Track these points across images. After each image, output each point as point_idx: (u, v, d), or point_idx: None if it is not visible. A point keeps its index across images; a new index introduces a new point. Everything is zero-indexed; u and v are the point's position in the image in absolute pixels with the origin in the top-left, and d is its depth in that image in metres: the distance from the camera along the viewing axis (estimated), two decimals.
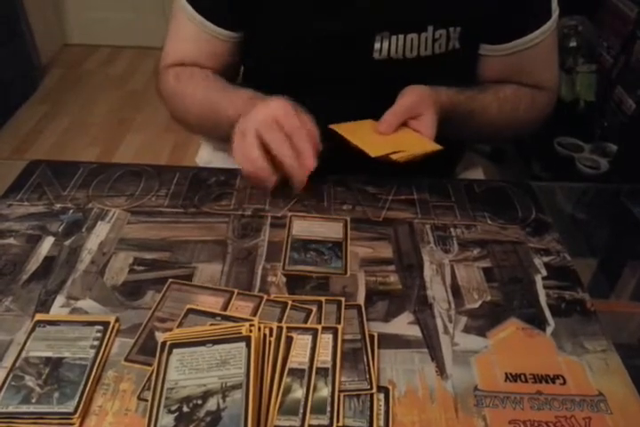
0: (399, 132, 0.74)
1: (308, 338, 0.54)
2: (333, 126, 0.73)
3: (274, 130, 0.66)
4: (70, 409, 0.48)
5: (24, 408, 0.48)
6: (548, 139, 1.78)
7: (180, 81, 0.83)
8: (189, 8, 0.80)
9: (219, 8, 0.79)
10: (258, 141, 0.66)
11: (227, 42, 0.83)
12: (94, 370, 0.51)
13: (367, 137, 0.72)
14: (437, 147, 0.71)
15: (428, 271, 0.65)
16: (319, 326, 0.55)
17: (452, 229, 0.72)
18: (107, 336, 0.55)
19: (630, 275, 0.75)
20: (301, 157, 0.65)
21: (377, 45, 0.77)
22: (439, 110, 0.75)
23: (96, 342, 0.54)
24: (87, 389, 0.50)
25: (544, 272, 0.66)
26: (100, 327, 0.55)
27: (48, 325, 0.56)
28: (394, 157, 0.69)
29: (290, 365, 0.52)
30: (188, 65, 0.85)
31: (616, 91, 1.71)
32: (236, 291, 0.60)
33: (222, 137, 0.77)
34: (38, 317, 0.57)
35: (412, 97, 0.74)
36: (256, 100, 0.72)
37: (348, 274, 0.64)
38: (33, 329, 0.55)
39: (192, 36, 0.83)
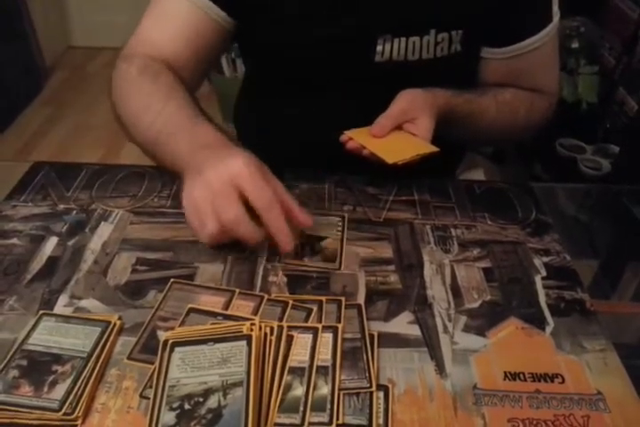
0: (396, 136, 0.74)
1: (308, 337, 0.55)
2: (348, 132, 0.74)
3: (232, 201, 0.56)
4: (55, 405, 0.49)
5: (9, 398, 0.49)
6: (549, 140, 1.78)
7: (142, 77, 0.72)
8: None
9: None
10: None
11: (219, 26, 0.77)
12: (86, 369, 0.52)
13: (377, 142, 0.73)
14: (434, 149, 0.71)
15: (428, 271, 0.66)
16: (319, 325, 0.56)
17: (452, 230, 0.72)
18: (105, 335, 0.55)
19: (632, 276, 0.76)
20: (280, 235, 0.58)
21: (379, 48, 0.77)
22: (436, 113, 0.75)
23: (95, 341, 0.54)
24: (76, 387, 0.50)
25: (544, 272, 0.67)
26: (100, 327, 0.56)
27: (51, 320, 0.57)
28: (391, 160, 0.70)
29: (290, 363, 0.52)
30: (159, 53, 0.76)
31: (618, 92, 1.71)
32: (237, 290, 0.61)
33: (164, 167, 0.69)
34: (43, 312, 0.58)
35: (405, 101, 0.74)
36: (211, 147, 0.62)
37: None
38: (36, 323, 0.56)
39: (182, 13, 0.76)
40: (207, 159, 0.59)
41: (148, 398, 0.49)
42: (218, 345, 0.51)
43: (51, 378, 0.51)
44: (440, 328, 0.59)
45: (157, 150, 0.68)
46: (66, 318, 0.57)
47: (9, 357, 0.53)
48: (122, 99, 0.74)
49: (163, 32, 0.78)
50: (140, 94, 0.72)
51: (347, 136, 0.74)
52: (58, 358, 0.53)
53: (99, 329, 0.56)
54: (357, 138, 0.73)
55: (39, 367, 0.52)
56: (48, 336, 0.55)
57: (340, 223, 0.72)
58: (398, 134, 0.74)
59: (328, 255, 0.67)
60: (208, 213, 0.56)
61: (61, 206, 0.74)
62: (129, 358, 0.54)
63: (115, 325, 0.56)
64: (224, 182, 0.56)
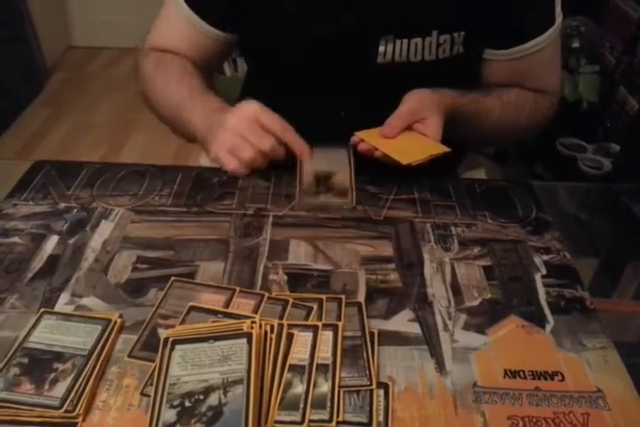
0: (407, 136, 0.74)
1: (308, 335, 0.55)
2: (359, 133, 0.75)
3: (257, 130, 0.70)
4: (56, 403, 0.49)
5: (10, 396, 0.49)
6: (550, 139, 1.78)
7: (158, 69, 0.84)
8: (179, 0, 0.81)
9: (212, 7, 0.80)
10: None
11: (217, 41, 0.84)
12: (87, 366, 0.52)
13: (388, 144, 0.73)
14: (446, 149, 0.71)
15: (429, 269, 0.66)
16: (319, 323, 0.56)
17: (452, 228, 0.72)
18: (106, 333, 0.55)
19: (632, 274, 0.76)
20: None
21: (381, 49, 0.77)
22: (444, 112, 0.75)
23: (95, 339, 0.55)
24: (77, 384, 0.50)
25: (544, 270, 0.67)
26: (100, 325, 0.56)
27: (52, 318, 0.57)
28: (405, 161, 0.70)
29: (290, 361, 0.52)
30: (169, 51, 0.86)
31: (619, 91, 1.72)
32: (237, 289, 0.61)
33: (185, 136, 0.81)
34: (44, 310, 0.58)
35: (414, 101, 0.74)
36: (223, 111, 0.74)
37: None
38: (37, 321, 0.56)
39: (181, 29, 0.84)
40: (221, 117, 0.72)
41: (149, 396, 0.49)
42: (218, 343, 0.51)
43: (52, 376, 0.51)
44: (440, 326, 0.59)
45: (179, 122, 0.79)
46: (67, 316, 0.57)
47: (10, 354, 0.53)
48: (146, 88, 0.86)
49: (166, 41, 0.86)
50: (159, 84, 0.83)
51: (358, 138, 0.74)
52: (59, 356, 0.53)
53: (99, 327, 0.56)
54: (368, 139, 0.73)
55: (40, 365, 0.52)
56: (49, 334, 0.55)
57: (347, 155, 0.76)
58: (409, 135, 0.74)
59: (340, 190, 0.73)
60: (244, 146, 0.70)
61: (62, 205, 0.74)
62: (130, 355, 0.54)
63: (115, 323, 0.57)
64: (247, 121, 0.70)
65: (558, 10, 0.80)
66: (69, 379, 0.51)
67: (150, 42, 0.88)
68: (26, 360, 0.52)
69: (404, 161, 0.69)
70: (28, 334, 0.55)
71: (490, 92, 0.83)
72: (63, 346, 0.54)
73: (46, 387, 0.50)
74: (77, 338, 0.54)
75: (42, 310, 0.58)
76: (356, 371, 0.53)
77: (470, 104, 0.80)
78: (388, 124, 0.74)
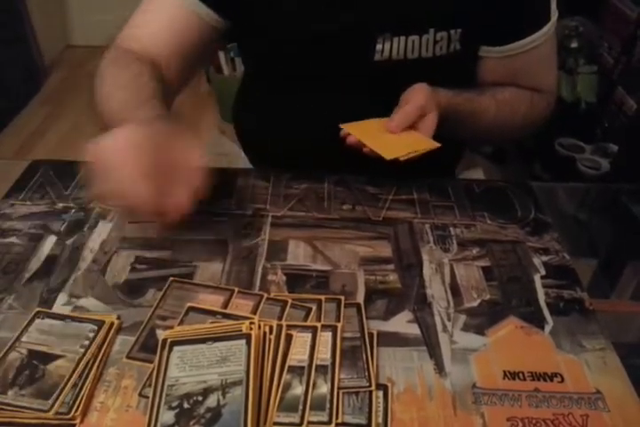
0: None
1: (307, 336, 0.55)
2: (345, 126, 0.73)
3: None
4: (45, 407, 0.48)
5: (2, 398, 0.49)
6: (548, 139, 1.78)
7: (108, 69, 0.77)
8: None
9: None
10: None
11: (207, 24, 0.78)
12: (84, 368, 0.52)
13: (376, 137, 0.72)
14: (435, 145, 0.71)
15: (428, 270, 0.66)
16: (318, 324, 0.56)
17: (451, 229, 0.72)
18: (99, 335, 0.55)
19: (631, 275, 0.76)
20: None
21: (379, 46, 0.77)
22: (439, 110, 0.75)
23: (87, 341, 0.54)
24: (67, 387, 0.50)
25: (543, 271, 0.67)
26: (95, 326, 0.56)
27: (46, 318, 0.56)
28: (389, 156, 0.69)
29: (289, 362, 0.52)
30: (146, 41, 0.78)
31: (617, 92, 1.71)
32: (236, 289, 0.61)
33: None
34: (37, 310, 0.58)
35: (422, 96, 0.73)
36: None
37: None
38: (31, 321, 0.56)
39: (169, 10, 0.77)
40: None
41: (147, 397, 0.49)
42: (217, 344, 0.51)
43: (40, 378, 0.50)
44: (439, 327, 0.59)
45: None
46: (61, 317, 0.57)
47: (0, 356, 0.52)
48: (95, 88, 0.79)
49: (147, 28, 0.79)
50: (104, 85, 0.76)
51: (345, 131, 0.74)
52: (53, 357, 0.52)
53: (94, 328, 0.55)
54: (355, 133, 0.72)
55: (30, 367, 0.51)
56: (40, 335, 0.54)
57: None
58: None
59: None
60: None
61: (60, 205, 0.74)
62: (128, 357, 0.54)
63: (112, 323, 0.56)
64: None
65: (553, 7, 0.80)
66: (56, 382, 0.50)
67: (123, 38, 0.80)
68: (14, 361, 0.52)
69: (388, 156, 0.68)
70: (22, 333, 0.54)
71: (484, 92, 0.83)
72: (58, 347, 0.53)
73: (32, 389, 0.49)
74: (72, 339, 0.54)
75: (36, 309, 0.57)
76: (355, 372, 0.52)
77: (465, 103, 0.80)
78: (394, 120, 0.73)
